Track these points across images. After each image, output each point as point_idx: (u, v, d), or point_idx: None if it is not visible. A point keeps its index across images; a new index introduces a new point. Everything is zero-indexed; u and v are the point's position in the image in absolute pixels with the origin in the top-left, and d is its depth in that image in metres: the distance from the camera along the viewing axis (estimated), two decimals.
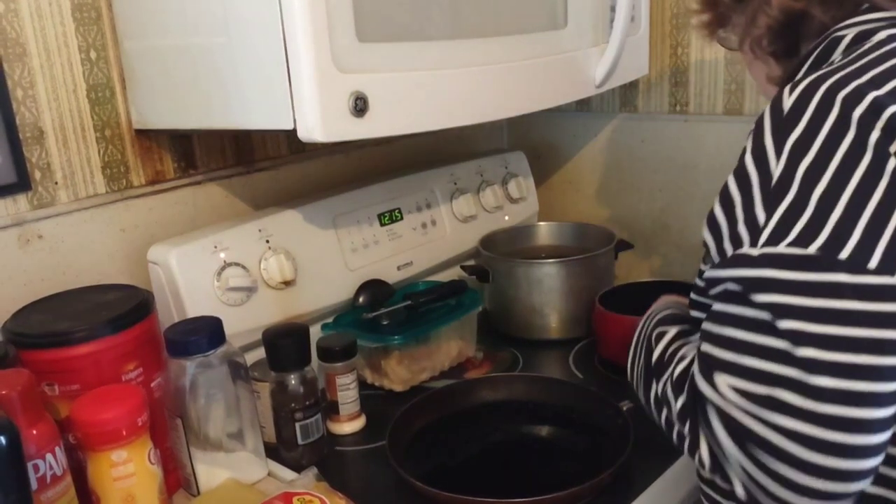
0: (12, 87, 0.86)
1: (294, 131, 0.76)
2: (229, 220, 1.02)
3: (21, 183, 0.88)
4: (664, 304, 0.77)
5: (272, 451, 0.89)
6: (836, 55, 0.62)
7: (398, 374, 1.04)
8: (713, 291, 0.59)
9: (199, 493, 0.82)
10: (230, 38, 0.79)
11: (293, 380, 0.88)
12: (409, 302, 1.06)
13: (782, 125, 0.56)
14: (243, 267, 0.96)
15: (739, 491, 0.56)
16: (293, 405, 0.88)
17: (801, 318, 0.51)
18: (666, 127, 1.30)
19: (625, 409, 0.87)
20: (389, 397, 1.04)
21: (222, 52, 0.80)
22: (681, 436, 0.60)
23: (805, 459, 0.51)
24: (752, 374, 0.53)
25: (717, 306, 0.58)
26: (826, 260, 0.51)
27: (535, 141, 1.47)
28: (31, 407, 0.66)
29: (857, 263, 0.50)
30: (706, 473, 0.59)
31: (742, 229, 0.56)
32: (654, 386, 0.65)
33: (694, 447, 0.59)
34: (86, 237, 0.94)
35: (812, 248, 0.51)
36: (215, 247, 0.94)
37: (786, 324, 0.51)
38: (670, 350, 0.65)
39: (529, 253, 1.29)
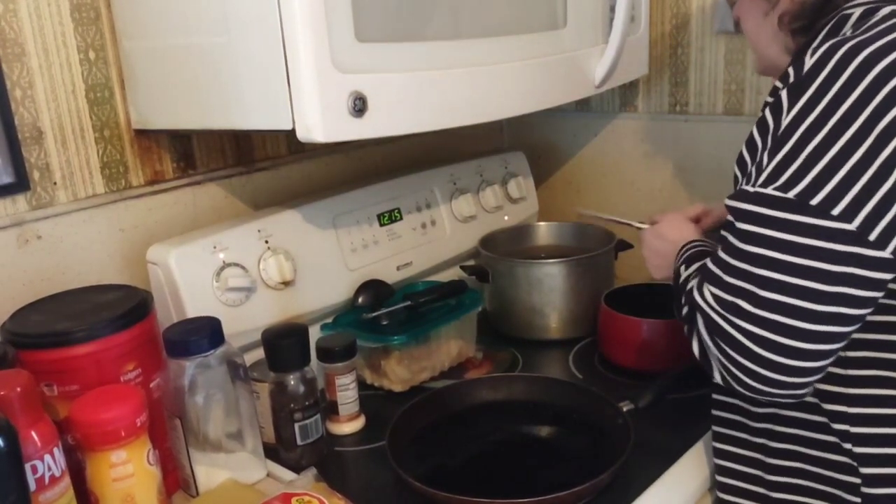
0: (11, 88, 0.86)
1: (293, 131, 0.76)
2: (229, 220, 1.02)
3: (20, 183, 0.88)
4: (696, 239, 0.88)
5: (271, 452, 0.89)
6: (847, 28, 0.70)
7: (398, 374, 1.04)
8: (726, 219, 0.69)
9: (198, 493, 0.82)
10: (230, 39, 0.79)
11: (292, 380, 0.88)
12: (408, 302, 1.06)
13: (799, 84, 0.65)
14: (242, 267, 0.96)
15: (717, 377, 0.69)
16: (292, 405, 0.88)
17: (764, 246, 0.63)
18: (666, 127, 1.30)
19: (625, 409, 0.87)
20: (389, 397, 1.04)
21: (222, 53, 0.80)
22: (688, 336, 0.73)
23: (758, 353, 0.64)
24: (726, 286, 0.66)
25: (721, 232, 0.69)
26: (799, 204, 0.62)
27: (535, 141, 1.46)
28: (29, 407, 0.66)
29: (824, 209, 0.61)
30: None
31: (753, 169, 0.67)
32: (677, 301, 0.77)
33: (690, 343, 0.72)
34: (85, 237, 0.94)
35: (791, 193, 0.62)
36: (214, 247, 0.94)
37: (750, 248, 0.64)
38: (691, 277, 0.77)
39: (529, 253, 1.28)
